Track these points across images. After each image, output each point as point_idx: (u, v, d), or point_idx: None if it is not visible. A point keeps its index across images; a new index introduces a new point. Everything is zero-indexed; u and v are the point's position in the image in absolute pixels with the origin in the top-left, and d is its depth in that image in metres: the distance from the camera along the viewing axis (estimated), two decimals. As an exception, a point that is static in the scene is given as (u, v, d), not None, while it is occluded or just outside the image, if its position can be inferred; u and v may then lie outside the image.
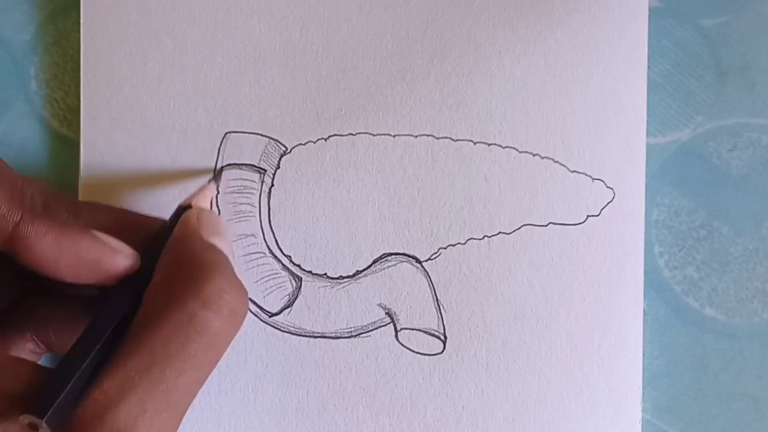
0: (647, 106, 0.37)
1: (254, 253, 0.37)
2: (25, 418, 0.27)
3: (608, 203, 0.37)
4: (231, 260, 0.32)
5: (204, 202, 0.35)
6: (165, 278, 0.30)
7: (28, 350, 0.34)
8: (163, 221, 0.34)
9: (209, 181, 0.37)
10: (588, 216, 0.37)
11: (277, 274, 0.37)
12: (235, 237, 0.37)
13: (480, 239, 0.37)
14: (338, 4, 0.38)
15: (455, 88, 0.37)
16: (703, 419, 0.38)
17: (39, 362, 0.34)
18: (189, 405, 0.29)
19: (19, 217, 0.30)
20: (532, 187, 0.37)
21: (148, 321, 0.29)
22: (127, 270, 0.31)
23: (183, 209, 0.34)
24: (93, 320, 0.30)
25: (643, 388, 0.37)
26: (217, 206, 0.37)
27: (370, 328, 0.37)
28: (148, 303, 0.30)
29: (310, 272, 0.37)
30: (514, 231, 0.37)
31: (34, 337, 0.34)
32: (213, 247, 0.31)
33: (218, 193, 0.37)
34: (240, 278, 0.31)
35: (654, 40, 0.38)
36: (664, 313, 0.38)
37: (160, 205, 0.37)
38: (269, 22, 0.38)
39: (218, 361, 0.30)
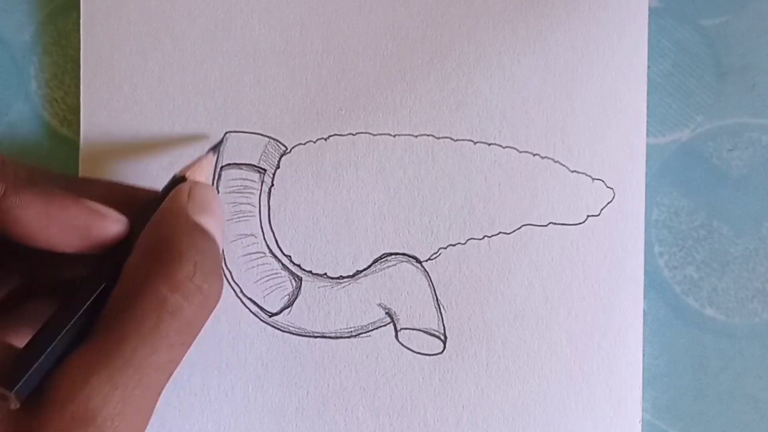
0: (647, 106, 0.37)
1: (254, 253, 0.37)
2: None
3: (608, 203, 0.37)
4: (218, 239, 0.32)
5: (200, 174, 0.34)
6: (143, 256, 0.30)
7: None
8: (155, 193, 0.33)
9: (208, 151, 0.36)
10: (588, 216, 0.37)
11: (277, 274, 0.37)
12: (235, 237, 0.37)
13: (480, 239, 0.37)
14: (338, 4, 0.38)
15: (455, 88, 0.37)
16: (703, 419, 0.38)
17: None
18: (164, 383, 0.29)
19: (3, 190, 0.29)
20: (532, 187, 0.37)
21: (123, 298, 0.29)
22: (117, 235, 0.31)
23: (177, 181, 0.33)
24: (70, 294, 0.30)
25: (643, 388, 0.37)
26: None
27: (370, 328, 0.37)
28: (126, 279, 0.30)
29: (310, 272, 0.37)
30: (514, 231, 0.37)
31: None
32: (196, 228, 0.31)
33: (218, 192, 0.37)
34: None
35: (654, 40, 0.38)
36: (664, 313, 0.38)
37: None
38: (269, 22, 0.38)
39: (193, 341, 0.30)
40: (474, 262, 0.37)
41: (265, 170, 0.38)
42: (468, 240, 0.37)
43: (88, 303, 0.29)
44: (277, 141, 0.38)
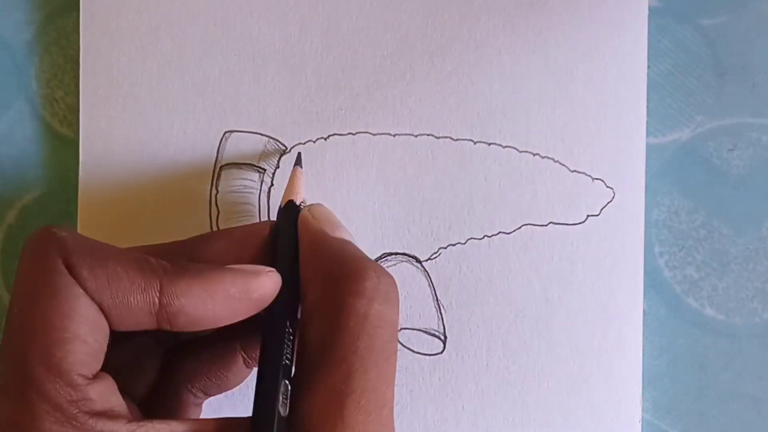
0: (647, 106, 0.37)
1: (254, 252, 0.37)
2: None
3: (608, 203, 0.37)
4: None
5: (301, 193, 0.34)
6: (322, 288, 0.30)
7: (191, 404, 0.34)
8: (270, 224, 0.33)
9: (294, 166, 0.36)
10: (588, 216, 0.37)
11: (277, 273, 0.37)
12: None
13: (480, 239, 0.37)
14: (338, 4, 0.38)
15: (455, 87, 0.37)
16: (703, 419, 0.38)
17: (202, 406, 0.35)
18: (393, 395, 0.29)
19: (159, 285, 0.28)
20: (532, 186, 0.37)
21: (326, 334, 0.28)
22: (276, 287, 0.30)
23: (287, 210, 0.33)
24: (262, 350, 0.30)
25: (643, 388, 0.37)
26: (216, 206, 0.37)
27: (370, 328, 0.37)
28: (314, 316, 0.29)
29: (310, 272, 0.37)
30: (514, 231, 0.37)
31: (190, 388, 0.33)
32: (345, 242, 0.31)
33: (217, 192, 0.37)
34: None
35: (654, 40, 0.38)
36: (664, 313, 0.38)
37: (160, 204, 0.37)
38: (269, 22, 0.38)
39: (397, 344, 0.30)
40: (474, 261, 0.37)
41: (264, 170, 0.38)
42: (468, 240, 0.37)
43: (288, 351, 0.29)
44: (277, 141, 0.38)
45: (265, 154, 0.38)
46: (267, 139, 0.38)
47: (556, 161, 0.37)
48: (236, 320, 0.30)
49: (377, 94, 0.37)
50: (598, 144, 0.37)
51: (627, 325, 0.37)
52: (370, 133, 0.37)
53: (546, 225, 0.37)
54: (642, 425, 0.37)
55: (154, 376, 0.33)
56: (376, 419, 0.28)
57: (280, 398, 0.28)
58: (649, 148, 0.37)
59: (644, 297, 0.37)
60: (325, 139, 0.38)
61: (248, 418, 0.28)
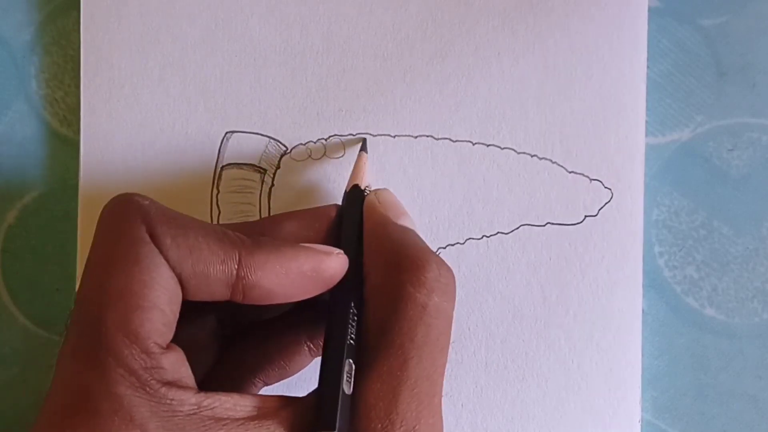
0: (647, 106, 0.37)
1: (254, 252, 0.37)
2: None
3: (606, 203, 0.37)
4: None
5: (365, 177, 0.35)
6: (384, 274, 0.30)
7: (249, 392, 0.33)
8: (336, 207, 0.34)
9: (360, 151, 0.36)
10: (586, 216, 0.37)
11: (276, 273, 0.37)
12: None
13: (479, 239, 0.37)
14: (338, 5, 0.38)
15: (455, 88, 0.37)
16: (703, 419, 0.38)
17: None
18: (442, 387, 0.30)
19: (238, 257, 0.28)
20: (531, 187, 0.37)
21: (385, 319, 0.29)
22: (344, 268, 0.31)
23: (353, 194, 0.34)
24: (327, 330, 0.30)
25: (643, 388, 0.37)
26: (218, 206, 0.38)
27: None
28: (374, 300, 0.30)
29: (309, 272, 0.37)
30: (512, 231, 0.37)
31: (251, 376, 0.34)
32: (409, 230, 0.32)
33: (219, 192, 0.38)
34: None
35: (654, 40, 0.37)
36: (664, 313, 0.38)
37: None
38: (269, 22, 0.38)
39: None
40: (473, 261, 0.37)
41: (265, 170, 0.38)
42: (467, 240, 0.37)
43: (352, 331, 0.30)
44: (278, 141, 0.38)
45: (265, 155, 0.38)
46: (268, 139, 0.38)
47: (554, 162, 0.37)
48: (304, 298, 0.30)
49: (377, 95, 0.37)
50: (597, 145, 0.37)
51: (626, 324, 0.37)
52: (370, 134, 0.37)
53: (544, 225, 0.37)
54: (641, 425, 0.37)
55: (212, 360, 0.33)
56: (428, 407, 0.28)
57: (345, 376, 0.28)
58: (649, 149, 0.37)
59: (644, 297, 0.37)
60: (325, 140, 0.38)
61: (308, 396, 0.28)
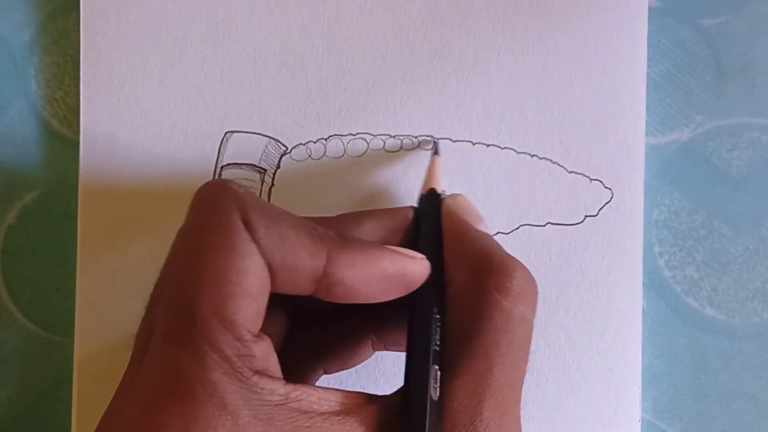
0: (647, 106, 0.37)
1: (254, 252, 0.37)
2: None
3: (606, 203, 0.37)
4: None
5: (440, 181, 0.34)
6: (468, 280, 0.30)
7: (310, 380, 0.34)
8: (413, 209, 0.33)
9: (433, 155, 0.36)
10: (586, 216, 0.37)
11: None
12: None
13: (479, 239, 0.37)
14: (338, 5, 0.38)
15: (455, 88, 0.37)
16: (703, 419, 0.38)
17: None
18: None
19: (326, 254, 0.28)
20: (530, 187, 0.37)
21: (469, 325, 0.29)
22: (426, 273, 0.30)
23: (429, 198, 0.34)
24: (410, 335, 0.30)
25: (643, 388, 0.37)
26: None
27: (370, 328, 0.37)
28: (456, 306, 0.30)
29: (309, 272, 0.37)
30: (512, 231, 0.37)
31: (313, 364, 0.34)
32: (490, 237, 0.32)
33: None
34: None
35: (654, 40, 0.38)
36: (664, 313, 0.38)
37: (160, 204, 0.37)
38: (269, 22, 0.38)
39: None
40: (473, 262, 0.37)
41: (265, 170, 0.38)
42: (467, 240, 0.37)
43: (436, 337, 0.29)
44: (277, 141, 0.38)
45: (265, 155, 0.38)
46: (268, 139, 0.38)
47: (554, 162, 0.37)
48: (384, 299, 0.30)
49: (377, 95, 0.37)
50: (597, 144, 0.37)
51: (626, 325, 0.37)
52: (370, 134, 0.37)
53: (544, 225, 0.37)
54: (642, 425, 0.37)
55: (277, 347, 0.33)
56: (510, 416, 0.28)
57: (431, 382, 0.28)
58: (649, 149, 0.37)
59: (644, 297, 0.37)
60: (325, 140, 0.38)
61: (392, 397, 0.28)
